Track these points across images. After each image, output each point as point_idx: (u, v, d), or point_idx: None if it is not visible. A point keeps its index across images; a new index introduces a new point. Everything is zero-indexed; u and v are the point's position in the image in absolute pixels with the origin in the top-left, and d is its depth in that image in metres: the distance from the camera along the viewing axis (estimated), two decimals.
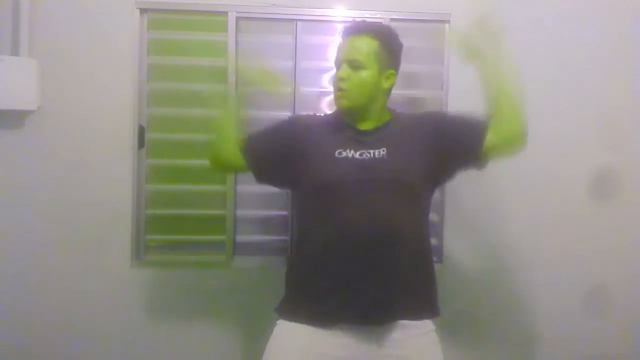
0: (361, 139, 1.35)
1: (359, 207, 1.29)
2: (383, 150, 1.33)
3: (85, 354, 1.85)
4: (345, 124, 1.39)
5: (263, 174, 1.47)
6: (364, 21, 1.41)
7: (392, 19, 1.89)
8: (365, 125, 1.38)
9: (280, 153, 1.40)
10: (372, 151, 1.33)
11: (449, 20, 1.90)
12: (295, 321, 1.33)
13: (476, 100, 1.89)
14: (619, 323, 2.00)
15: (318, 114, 1.61)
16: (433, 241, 1.94)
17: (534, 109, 1.90)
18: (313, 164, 1.34)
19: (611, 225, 1.98)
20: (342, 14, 1.88)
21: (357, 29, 1.36)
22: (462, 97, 1.91)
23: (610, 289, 1.99)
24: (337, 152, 1.33)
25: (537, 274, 1.96)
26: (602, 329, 1.99)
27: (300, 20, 1.89)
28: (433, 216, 1.89)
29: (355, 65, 1.33)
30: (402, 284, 1.31)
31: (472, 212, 1.89)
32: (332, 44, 1.89)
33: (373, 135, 1.36)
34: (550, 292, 1.97)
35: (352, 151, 1.33)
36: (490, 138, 1.33)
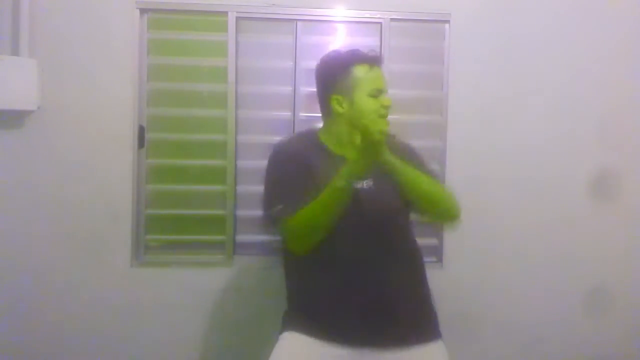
0: None
1: (350, 238, 1.32)
2: (370, 181, 1.36)
3: (85, 354, 1.85)
4: (332, 152, 1.39)
5: None
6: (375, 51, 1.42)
7: (392, 19, 1.89)
8: (352, 154, 1.29)
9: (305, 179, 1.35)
10: (360, 181, 1.34)
11: (449, 20, 1.90)
12: (299, 332, 1.36)
13: (476, 100, 1.92)
14: (619, 323, 2.00)
15: (292, 137, 1.58)
16: (433, 241, 1.94)
17: (535, 110, 1.94)
18: (307, 195, 1.29)
19: (611, 225, 1.97)
20: (342, 14, 1.88)
21: (379, 61, 1.39)
22: (462, 97, 1.91)
23: (610, 289, 1.98)
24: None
25: (537, 274, 1.96)
26: (602, 330, 1.99)
27: (300, 20, 1.89)
28: None
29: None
30: (399, 310, 1.36)
31: (472, 212, 1.89)
32: (332, 44, 1.89)
33: None
34: (550, 292, 1.97)
35: None
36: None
